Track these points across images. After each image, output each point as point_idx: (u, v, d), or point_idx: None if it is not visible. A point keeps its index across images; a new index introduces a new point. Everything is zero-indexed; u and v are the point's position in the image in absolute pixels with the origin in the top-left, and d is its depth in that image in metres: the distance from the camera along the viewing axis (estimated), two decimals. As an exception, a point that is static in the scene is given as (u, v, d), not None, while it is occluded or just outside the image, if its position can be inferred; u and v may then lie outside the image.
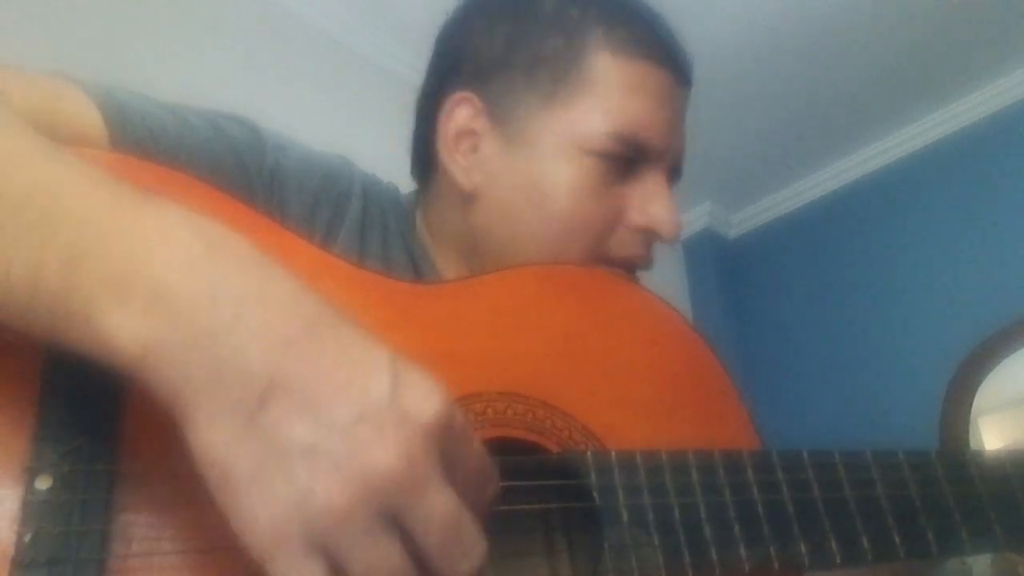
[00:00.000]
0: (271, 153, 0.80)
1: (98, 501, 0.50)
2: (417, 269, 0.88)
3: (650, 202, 0.84)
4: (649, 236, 0.86)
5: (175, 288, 0.45)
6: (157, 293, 0.45)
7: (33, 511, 0.49)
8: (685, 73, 0.88)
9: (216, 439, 0.44)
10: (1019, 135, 3.11)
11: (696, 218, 3.75)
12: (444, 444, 0.46)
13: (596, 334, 0.73)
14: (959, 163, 3.26)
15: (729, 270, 3.79)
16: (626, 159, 0.83)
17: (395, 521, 0.45)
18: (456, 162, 0.86)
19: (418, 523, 0.45)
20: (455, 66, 0.88)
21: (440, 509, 0.45)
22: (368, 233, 0.86)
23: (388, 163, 0.98)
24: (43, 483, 0.50)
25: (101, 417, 0.52)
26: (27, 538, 0.48)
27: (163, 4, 2.27)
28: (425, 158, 0.92)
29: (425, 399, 0.46)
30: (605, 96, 0.82)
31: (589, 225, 0.82)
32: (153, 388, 0.46)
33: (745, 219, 3.91)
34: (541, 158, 0.83)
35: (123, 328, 0.45)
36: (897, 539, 0.67)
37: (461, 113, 0.86)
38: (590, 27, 0.84)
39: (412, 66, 2.84)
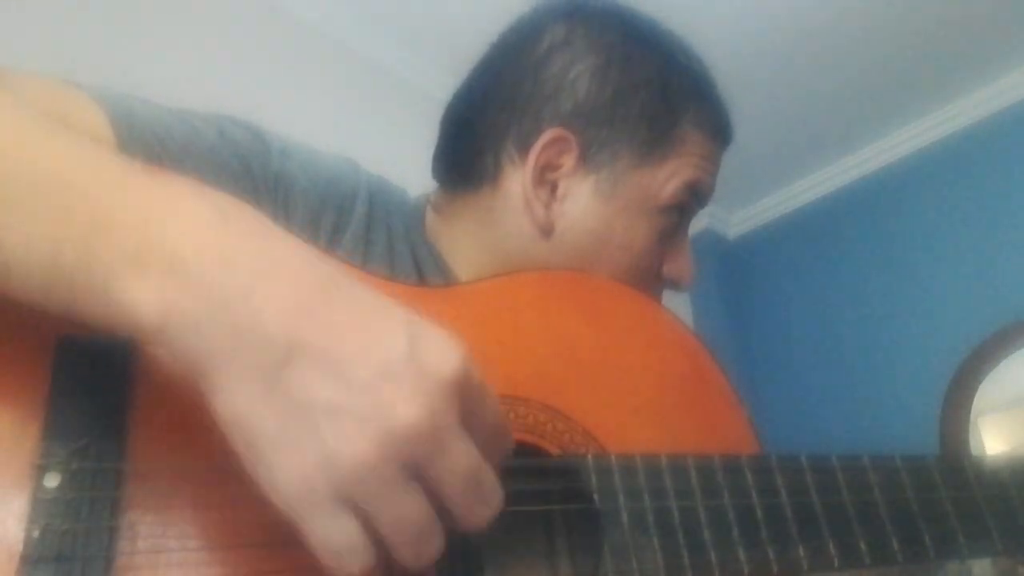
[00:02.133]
0: (276, 158, 0.81)
1: (106, 498, 0.51)
2: (421, 272, 0.88)
3: (679, 257, 0.94)
4: (668, 285, 0.94)
5: (190, 257, 0.46)
6: (172, 262, 0.46)
7: (41, 508, 0.49)
8: (729, 144, 0.98)
9: (240, 403, 0.45)
10: (1019, 135, 3.11)
11: (696, 218, 3.73)
12: (462, 398, 0.48)
13: (597, 338, 0.74)
14: (959, 163, 3.25)
15: (729, 270, 3.79)
16: (684, 216, 0.92)
17: (418, 472, 0.46)
18: (539, 196, 0.88)
19: (441, 473, 0.47)
20: (551, 98, 0.89)
21: (461, 460, 0.47)
22: (373, 236, 0.86)
23: (392, 165, 0.98)
24: (51, 480, 0.50)
25: (109, 415, 0.52)
26: (35, 534, 0.48)
27: (167, 5, 2.27)
28: (474, 169, 0.92)
29: (443, 355, 0.48)
30: (686, 163, 0.90)
31: (644, 276, 0.89)
32: (174, 357, 0.47)
33: (745, 219, 3.91)
34: (622, 212, 0.88)
35: (142, 298, 0.46)
36: (895, 543, 0.67)
37: (556, 149, 0.88)
38: (687, 100, 0.91)
39: (416, 69, 2.84)
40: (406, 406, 0.45)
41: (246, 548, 0.45)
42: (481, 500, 0.49)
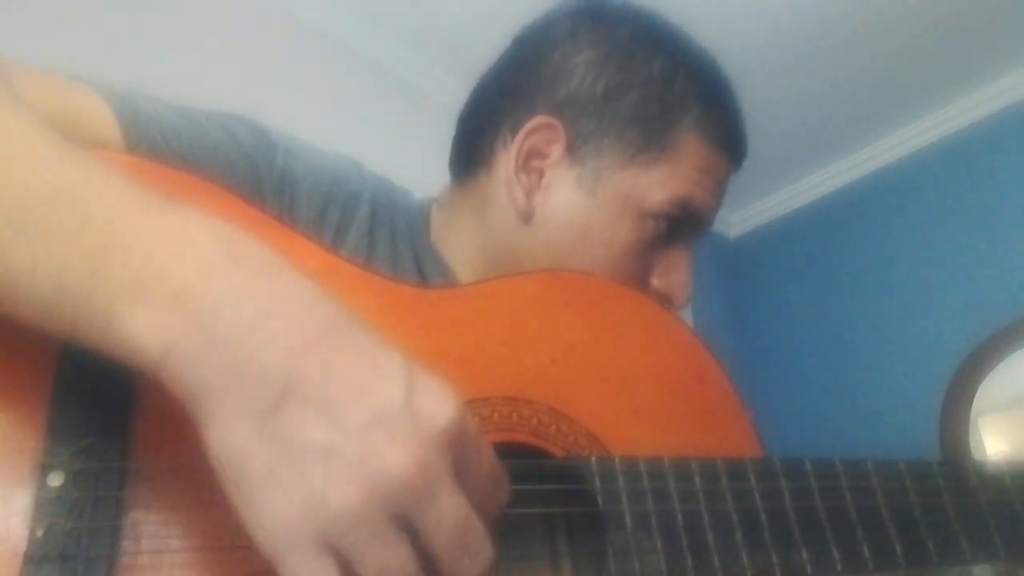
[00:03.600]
0: (281, 156, 0.81)
1: (109, 498, 0.51)
2: (422, 272, 0.88)
3: (673, 270, 0.90)
4: (660, 299, 0.90)
5: (196, 290, 0.46)
6: (178, 295, 0.46)
7: (45, 507, 0.49)
8: (740, 165, 0.95)
9: (232, 439, 0.45)
10: (1019, 135, 3.11)
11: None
12: (456, 449, 0.47)
13: (601, 341, 0.73)
14: (959, 163, 3.25)
15: (729, 270, 3.78)
16: (671, 229, 0.88)
17: (405, 523, 0.45)
18: (520, 181, 0.88)
19: (429, 525, 0.46)
20: (548, 85, 0.89)
21: (450, 513, 0.46)
22: (376, 235, 0.86)
23: (394, 166, 0.98)
24: (55, 480, 0.50)
25: (113, 415, 0.53)
26: (39, 534, 0.49)
27: (167, 5, 2.27)
28: (474, 155, 0.93)
29: (438, 405, 0.47)
30: (681, 170, 0.87)
31: (626, 279, 0.86)
32: (172, 388, 0.46)
33: (745, 219, 3.91)
34: (603, 209, 0.86)
35: (144, 328, 0.46)
36: (898, 548, 0.67)
37: (542, 136, 0.88)
38: (689, 105, 0.88)
39: (417, 69, 2.84)
40: (397, 454, 0.44)
41: (249, 548, 0.45)
42: (469, 555, 0.48)
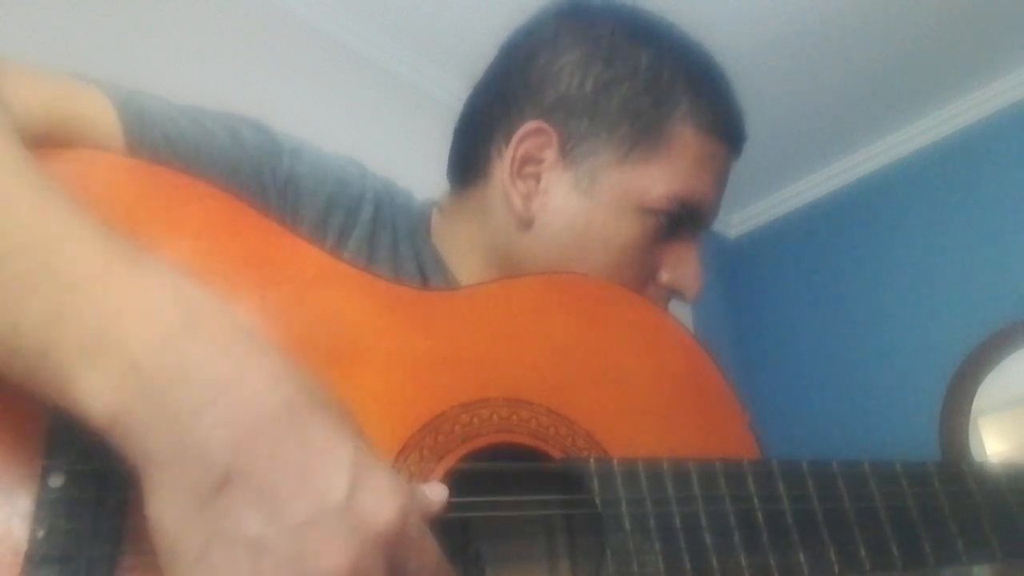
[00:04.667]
0: (286, 159, 0.81)
1: (111, 499, 0.51)
2: (424, 274, 0.88)
3: (681, 264, 0.89)
4: (672, 294, 0.90)
5: (149, 364, 0.46)
6: (130, 367, 0.45)
7: (46, 508, 0.50)
8: (741, 148, 0.93)
9: (169, 515, 0.44)
10: (1018, 136, 3.10)
11: (697, 217, 3.73)
12: (395, 551, 0.46)
13: (600, 342, 0.74)
14: (959, 163, 3.24)
15: (729, 270, 3.77)
16: (673, 223, 0.87)
17: None
18: (517, 187, 0.87)
19: None
20: (536, 90, 0.88)
21: None
22: (379, 237, 0.86)
23: (399, 169, 0.98)
24: (56, 481, 0.50)
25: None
26: (40, 534, 0.49)
27: (168, 4, 2.26)
28: (471, 165, 0.93)
29: (380, 504, 0.46)
30: (678, 164, 0.86)
31: (629, 279, 0.85)
32: (121, 452, 0.46)
33: (745, 219, 3.90)
34: (602, 208, 0.85)
35: (94, 395, 0.45)
36: (894, 549, 0.67)
37: (534, 142, 0.87)
38: (679, 95, 0.87)
39: (423, 73, 2.84)
40: (329, 558, 0.43)
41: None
42: None
